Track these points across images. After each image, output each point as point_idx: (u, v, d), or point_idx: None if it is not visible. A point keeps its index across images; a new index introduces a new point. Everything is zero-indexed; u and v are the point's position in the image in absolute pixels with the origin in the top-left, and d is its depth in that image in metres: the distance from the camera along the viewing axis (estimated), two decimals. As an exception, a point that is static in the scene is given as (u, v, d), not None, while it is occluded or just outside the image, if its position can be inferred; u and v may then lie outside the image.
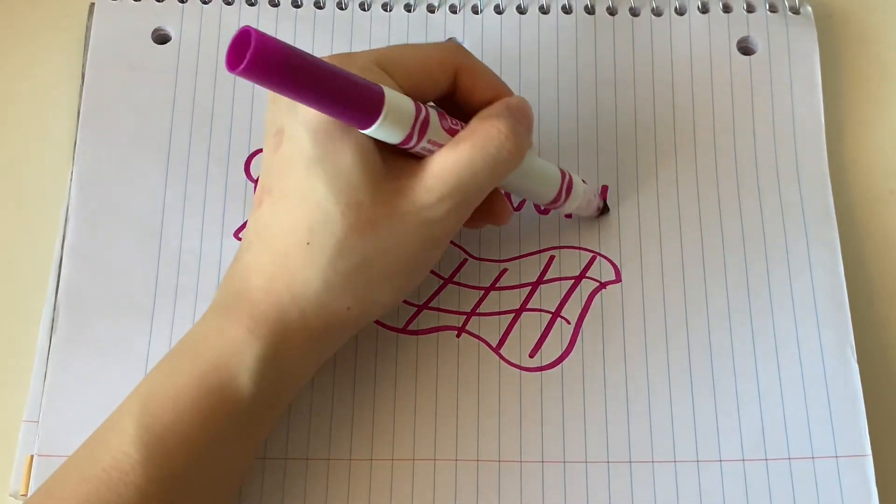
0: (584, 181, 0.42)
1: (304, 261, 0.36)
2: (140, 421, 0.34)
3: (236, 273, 0.37)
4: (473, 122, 0.37)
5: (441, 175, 0.36)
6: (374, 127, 0.34)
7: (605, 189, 0.45)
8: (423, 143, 0.36)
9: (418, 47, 0.40)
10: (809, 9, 0.48)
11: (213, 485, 0.36)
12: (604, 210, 0.44)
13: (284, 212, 0.36)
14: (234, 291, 0.37)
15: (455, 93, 0.39)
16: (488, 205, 0.40)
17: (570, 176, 0.42)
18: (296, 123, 0.35)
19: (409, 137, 0.35)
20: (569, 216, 0.44)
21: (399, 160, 0.37)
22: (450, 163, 0.36)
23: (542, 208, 0.44)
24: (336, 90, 0.33)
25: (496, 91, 0.39)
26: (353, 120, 0.34)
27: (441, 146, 0.36)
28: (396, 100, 0.35)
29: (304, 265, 0.36)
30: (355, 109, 0.34)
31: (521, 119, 0.37)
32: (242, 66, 0.30)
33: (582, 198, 0.42)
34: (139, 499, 0.34)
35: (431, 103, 0.38)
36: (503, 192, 0.41)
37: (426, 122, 0.36)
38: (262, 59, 0.30)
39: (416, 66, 0.37)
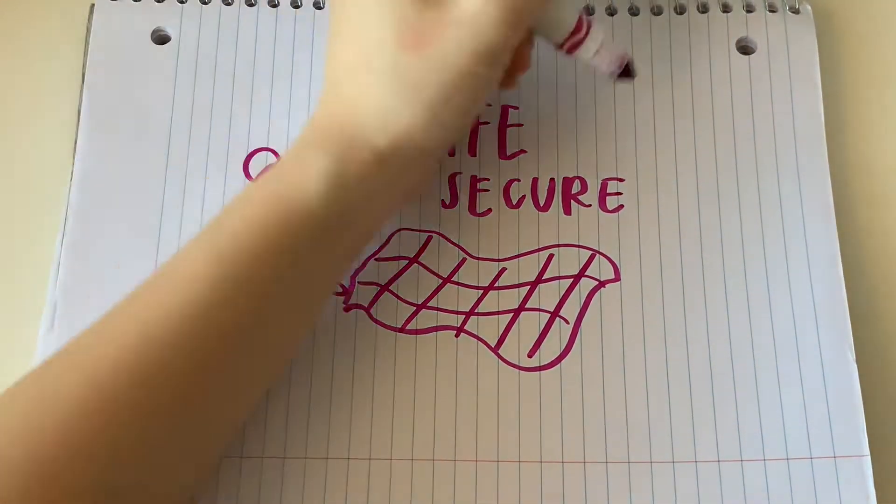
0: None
1: (363, 83, 0.38)
2: (215, 227, 0.37)
3: (315, 112, 0.39)
4: None
5: None
6: None
7: (626, 58, 0.43)
8: None
9: None
10: (809, 8, 0.48)
11: (285, 301, 0.37)
12: (626, 72, 0.43)
13: (344, 46, 0.39)
14: (310, 125, 0.39)
15: None
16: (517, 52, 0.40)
17: (590, 19, 0.42)
18: None
19: None
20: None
21: None
22: None
23: (566, 46, 0.42)
24: None
25: None
26: None
27: None
28: None
29: (363, 87, 0.38)
30: None
31: None
32: None
33: (602, 41, 0.41)
34: (211, 292, 0.35)
35: None
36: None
37: None
38: None
39: None
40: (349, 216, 0.38)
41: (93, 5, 0.47)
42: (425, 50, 0.37)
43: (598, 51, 0.42)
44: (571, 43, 0.41)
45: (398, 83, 0.37)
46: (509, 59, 0.39)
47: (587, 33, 0.41)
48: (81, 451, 0.32)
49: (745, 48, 0.47)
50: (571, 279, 0.43)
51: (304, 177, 0.37)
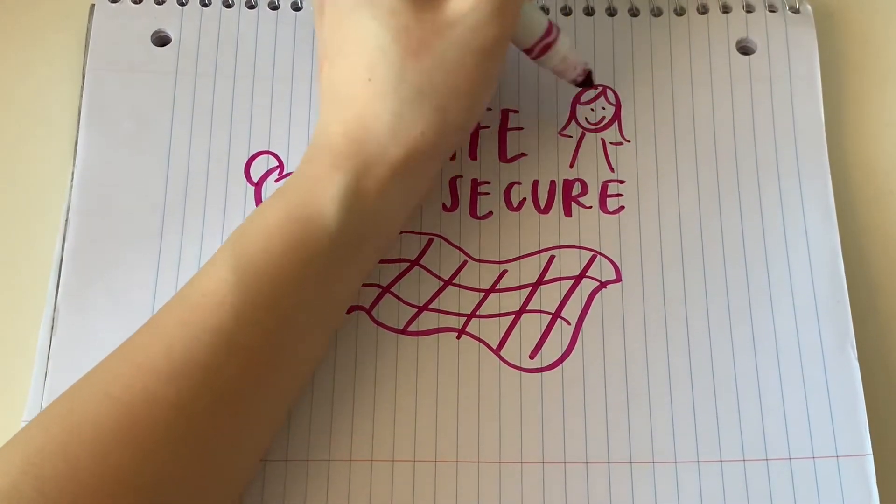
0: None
1: (369, 96, 0.38)
2: (234, 250, 0.37)
3: (316, 132, 0.40)
4: None
5: None
6: None
7: (588, 67, 0.44)
8: None
9: None
10: (809, 7, 0.48)
11: (305, 321, 0.37)
12: (587, 80, 0.44)
13: (342, 62, 0.39)
14: (316, 143, 0.39)
15: None
16: None
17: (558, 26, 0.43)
18: None
19: None
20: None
21: None
22: None
23: (536, 49, 0.43)
24: None
25: None
26: None
27: None
28: None
29: (370, 100, 0.38)
30: None
31: None
32: None
33: (569, 48, 0.43)
34: (234, 319, 0.35)
35: None
36: None
37: None
38: None
39: None
40: (367, 232, 0.38)
41: (93, 6, 0.47)
42: (428, 54, 0.38)
43: (565, 56, 0.43)
44: (542, 46, 0.42)
45: (406, 91, 0.38)
46: (505, 53, 0.40)
47: (556, 39, 0.42)
48: (120, 481, 0.33)
49: (745, 48, 0.47)
50: (573, 280, 0.43)
51: (322, 198, 0.37)
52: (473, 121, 0.41)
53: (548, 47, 0.42)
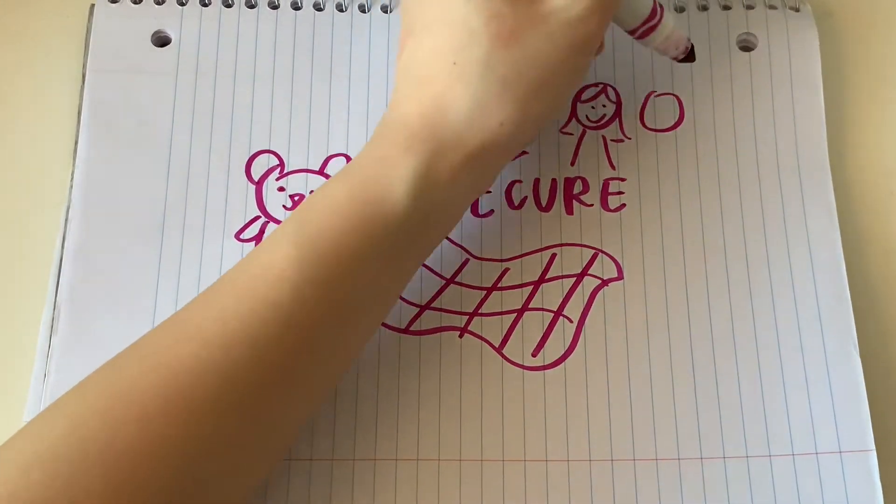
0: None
1: (452, 79, 0.37)
2: (298, 226, 0.36)
3: (389, 108, 0.39)
4: None
5: None
6: None
7: (689, 44, 0.44)
8: None
9: None
10: (809, 7, 0.48)
11: (363, 303, 0.37)
12: (690, 56, 0.44)
13: (428, 41, 0.38)
14: (388, 121, 0.38)
15: None
16: None
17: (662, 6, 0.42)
18: None
19: None
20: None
21: None
22: None
23: (639, 31, 0.42)
24: None
25: None
26: None
27: None
28: None
29: (452, 84, 0.37)
30: None
31: None
32: None
33: (673, 25, 0.43)
34: (293, 295, 0.35)
35: None
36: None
37: None
38: None
39: None
40: (432, 217, 0.38)
41: (93, 6, 0.47)
42: (518, 44, 0.37)
43: (668, 36, 0.43)
44: (645, 29, 0.42)
45: (491, 79, 0.37)
46: (597, 47, 0.40)
47: (660, 20, 0.42)
48: (162, 448, 0.32)
49: (746, 44, 0.47)
50: (574, 278, 0.43)
51: (393, 180, 0.36)
52: (553, 116, 0.41)
53: (652, 29, 0.42)
